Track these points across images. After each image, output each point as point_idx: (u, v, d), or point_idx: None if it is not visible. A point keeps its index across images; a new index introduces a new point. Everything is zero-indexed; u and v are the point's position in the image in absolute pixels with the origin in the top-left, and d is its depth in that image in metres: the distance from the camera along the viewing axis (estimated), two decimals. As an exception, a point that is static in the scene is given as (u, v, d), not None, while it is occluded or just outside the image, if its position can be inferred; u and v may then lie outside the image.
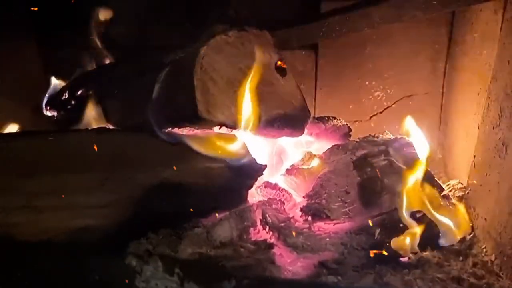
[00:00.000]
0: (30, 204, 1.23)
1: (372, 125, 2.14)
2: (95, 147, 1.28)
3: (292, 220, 1.43)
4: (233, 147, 1.46)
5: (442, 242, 1.39)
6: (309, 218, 1.42)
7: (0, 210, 1.21)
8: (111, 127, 1.56)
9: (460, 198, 1.62)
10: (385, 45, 2.02)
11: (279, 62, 1.53)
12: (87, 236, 1.24)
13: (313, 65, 2.09)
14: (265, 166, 1.46)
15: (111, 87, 1.60)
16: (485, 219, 1.42)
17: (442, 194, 1.49)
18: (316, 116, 1.80)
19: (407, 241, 1.34)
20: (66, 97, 1.74)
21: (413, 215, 1.38)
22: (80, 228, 1.24)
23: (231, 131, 1.47)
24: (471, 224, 1.49)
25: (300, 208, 1.46)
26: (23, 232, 1.23)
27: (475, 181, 1.54)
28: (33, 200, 1.23)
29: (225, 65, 1.41)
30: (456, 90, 1.94)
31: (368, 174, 1.47)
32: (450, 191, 1.70)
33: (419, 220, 1.38)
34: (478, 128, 1.55)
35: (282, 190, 1.57)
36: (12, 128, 1.80)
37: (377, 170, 1.47)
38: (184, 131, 1.39)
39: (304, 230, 1.38)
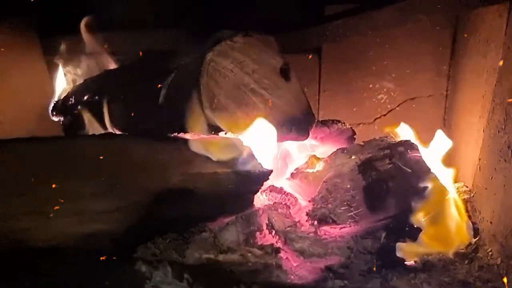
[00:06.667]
0: (39, 209, 1.24)
1: (376, 128, 2.15)
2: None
3: (298, 224, 1.44)
4: (238, 152, 1.46)
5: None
6: (315, 222, 1.43)
7: (9, 215, 1.22)
8: (117, 132, 1.57)
9: (465, 201, 1.63)
10: (388, 48, 2.03)
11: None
12: (96, 241, 1.25)
13: (317, 68, 2.10)
14: (271, 170, 1.46)
15: (117, 93, 1.60)
16: (491, 222, 1.42)
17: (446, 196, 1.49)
18: (320, 119, 1.81)
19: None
20: (72, 102, 1.75)
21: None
22: (88, 233, 1.25)
23: (237, 135, 1.48)
24: (477, 227, 1.49)
25: (306, 212, 1.47)
26: (32, 237, 1.24)
27: (480, 184, 1.55)
28: (42, 206, 1.24)
29: (231, 71, 1.43)
30: (460, 92, 1.94)
31: (373, 178, 1.48)
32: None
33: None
34: (483, 131, 1.56)
35: (287, 194, 1.57)
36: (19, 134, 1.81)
37: (382, 174, 1.48)
38: (190, 136, 1.41)
39: (310, 234, 1.39)
